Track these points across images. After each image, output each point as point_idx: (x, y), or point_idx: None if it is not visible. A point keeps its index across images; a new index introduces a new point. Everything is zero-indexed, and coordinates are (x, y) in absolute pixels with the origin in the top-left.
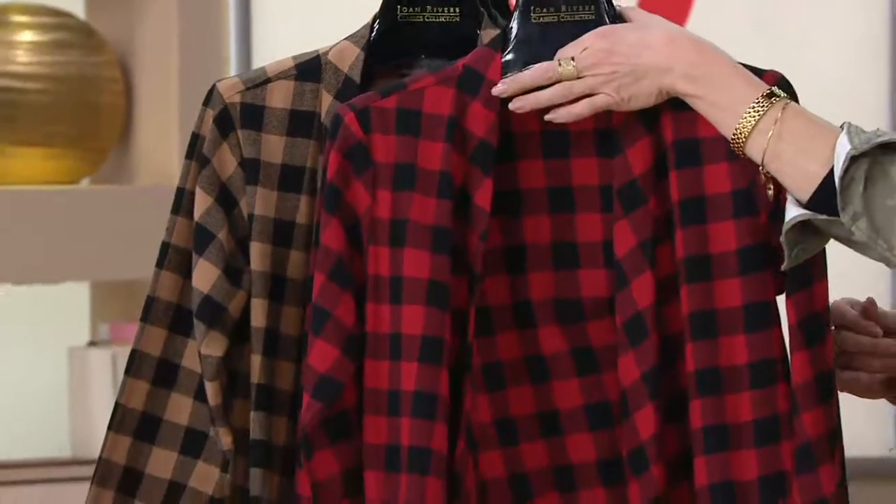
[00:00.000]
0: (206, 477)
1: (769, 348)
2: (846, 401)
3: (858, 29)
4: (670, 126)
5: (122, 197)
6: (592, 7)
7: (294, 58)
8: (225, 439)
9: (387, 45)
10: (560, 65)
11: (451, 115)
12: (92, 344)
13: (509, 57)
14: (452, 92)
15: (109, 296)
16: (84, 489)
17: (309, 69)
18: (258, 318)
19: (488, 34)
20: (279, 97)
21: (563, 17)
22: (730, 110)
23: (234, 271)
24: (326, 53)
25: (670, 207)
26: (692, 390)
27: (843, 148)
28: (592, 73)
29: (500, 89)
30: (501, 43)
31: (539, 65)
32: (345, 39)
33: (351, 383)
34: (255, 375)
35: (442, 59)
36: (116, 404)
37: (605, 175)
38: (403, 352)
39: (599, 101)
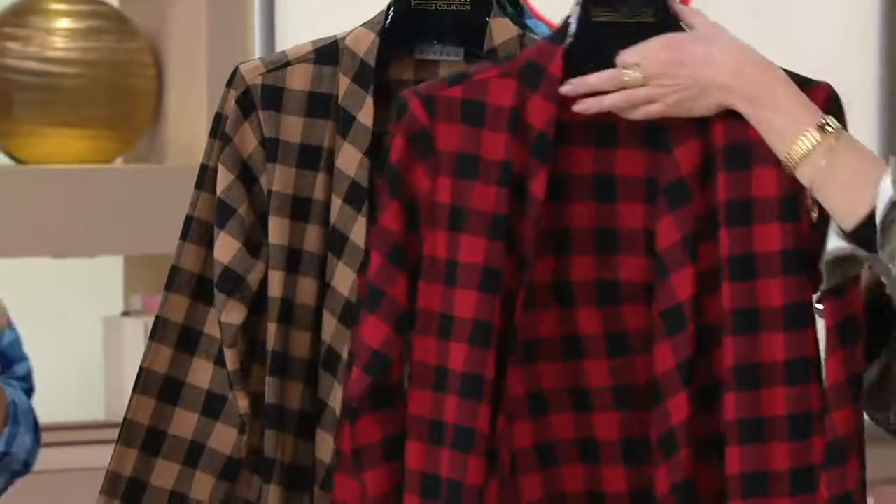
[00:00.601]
0: (224, 438)
1: (805, 347)
2: None
3: (849, 18)
4: (721, 129)
5: (153, 176)
6: (652, 9)
7: (313, 42)
8: (241, 403)
9: (400, 31)
10: (626, 73)
11: (513, 107)
12: (125, 314)
13: (569, 54)
14: (514, 84)
15: (142, 268)
16: None
17: (327, 53)
18: (275, 288)
19: (497, 22)
20: (298, 80)
21: (623, 18)
22: (785, 134)
23: (253, 244)
24: (343, 39)
25: (716, 207)
26: (730, 383)
27: (886, 192)
28: (657, 83)
29: (567, 90)
30: (560, 37)
31: (606, 72)
32: (361, 26)
33: (399, 358)
34: (271, 343)
35: (452, 45)
36: (141, 368)
37: (650, 167)
38: (454, 332)
39: (654, 110)
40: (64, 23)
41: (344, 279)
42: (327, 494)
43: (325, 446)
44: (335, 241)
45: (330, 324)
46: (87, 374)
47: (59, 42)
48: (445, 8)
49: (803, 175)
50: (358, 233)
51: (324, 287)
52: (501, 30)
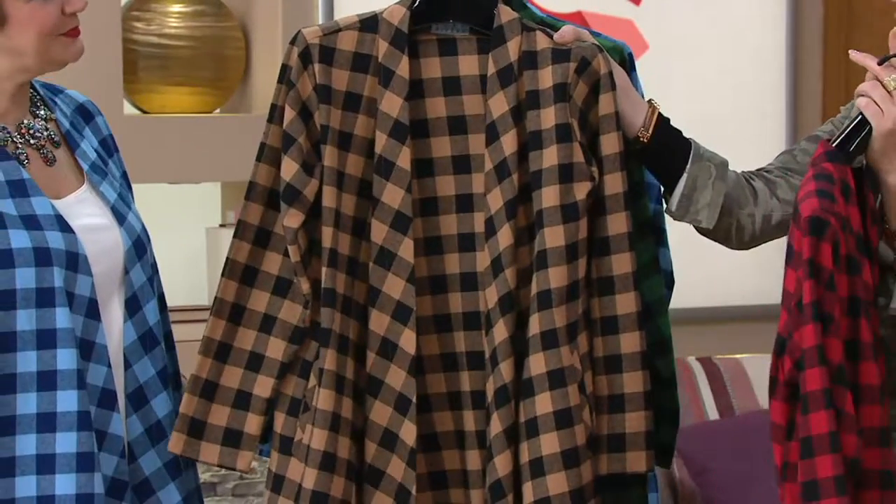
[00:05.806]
0: (291, 311)
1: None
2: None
3: (758, 39)
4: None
5: (242, 122)
6: None
7: (358, 15)
8: (304, 286)
9: (425, 10)
10: None
11: None
12: (222, 225)
13: None
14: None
15: (235, 191)
16: None
17: (369, 23)
18: (327, 200)
19: (502, 8)
20: (346, 42)
21: None
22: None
23: (309, 166)
24: (382, 13)
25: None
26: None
27: None
28: None
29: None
30: None
31: None
32: (396, 4)
33: None
34: (325, 241)
35: (461, 23)
36: (227, 258)
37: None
38: None
39: None
40: (176, 7)
41: (392, 195)
42: (383, 360)
43: (379, 321)
44: (382, 167)
45: (380, 230)
46: (193, 271)
47: (172, 22)
48: None
49: None
50: (403, 159)
51: (362, 201)
52: (506, 13)
